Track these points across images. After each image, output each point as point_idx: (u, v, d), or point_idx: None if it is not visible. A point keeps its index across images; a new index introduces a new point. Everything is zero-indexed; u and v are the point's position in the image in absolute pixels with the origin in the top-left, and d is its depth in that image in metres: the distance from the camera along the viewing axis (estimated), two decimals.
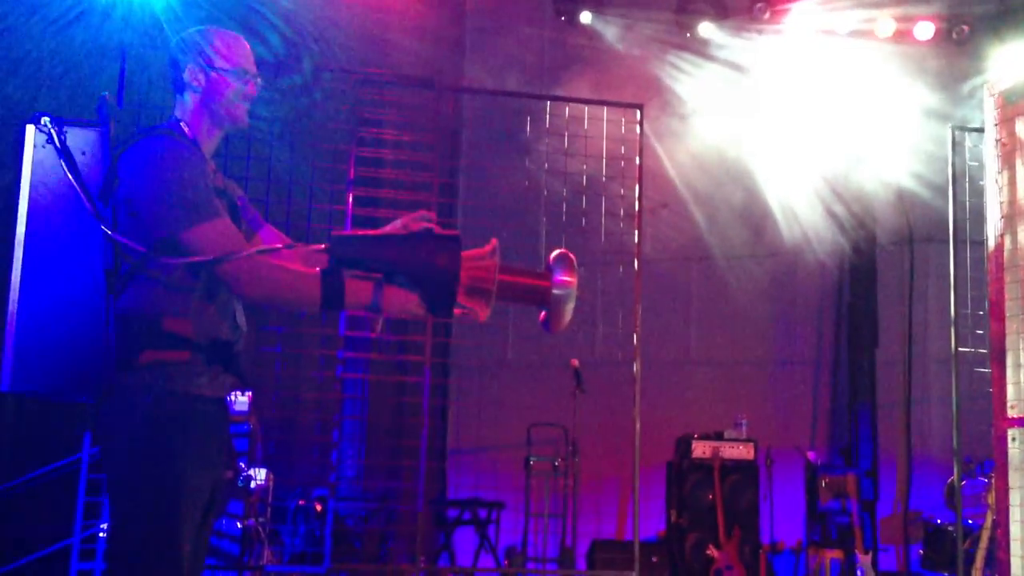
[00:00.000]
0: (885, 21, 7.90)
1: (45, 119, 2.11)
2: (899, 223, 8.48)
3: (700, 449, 7.63)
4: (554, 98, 5.34)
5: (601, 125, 5.35)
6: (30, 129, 2.12)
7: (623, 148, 5.23)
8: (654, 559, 7.31)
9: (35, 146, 2.23)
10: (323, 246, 2.20)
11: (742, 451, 7.70)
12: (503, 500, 7.56)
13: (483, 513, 7.40)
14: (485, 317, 2.29)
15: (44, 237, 2.25)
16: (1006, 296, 3.48)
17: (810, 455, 8.15)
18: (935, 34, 7.88)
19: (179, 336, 2.29)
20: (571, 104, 5.42)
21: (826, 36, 7.83)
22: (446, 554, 7.47)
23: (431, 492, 7.28)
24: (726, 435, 7.74)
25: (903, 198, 8.28)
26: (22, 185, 2.12)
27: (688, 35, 7.87)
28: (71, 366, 2.23)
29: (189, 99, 2.49)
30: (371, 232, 2.33)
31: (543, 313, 2.34)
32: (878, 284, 8.65)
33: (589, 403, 5.66)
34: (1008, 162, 3.52)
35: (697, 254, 7.85)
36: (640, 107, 5.23)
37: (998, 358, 3.40)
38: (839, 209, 8.20)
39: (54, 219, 2.31)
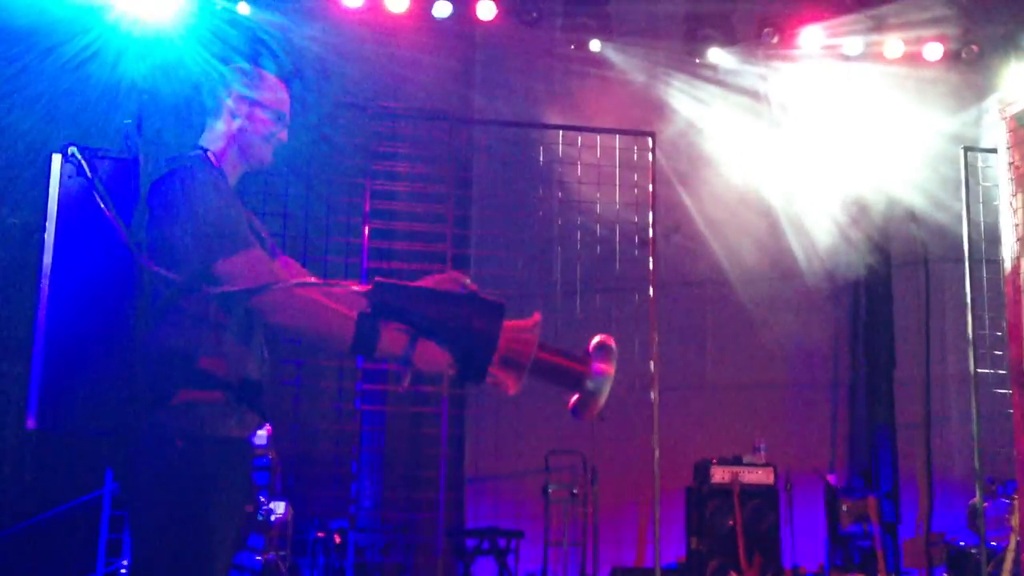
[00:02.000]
0: (894, 43, 7.93)
1: (73, 148, 2.09)
2: (914, 244, 8.47)
3: (719, 474, 7.61)
4: (566, 127, 5.38)
5: (613, 153, 5.38)
6: (56, 159, 2.11)
7: (635, 175, 5.26)
8: None
9: (61, 177, 2.20)
10: (365, 288, 2.16)
11: (761, 476, 7.67)
12: (522, 529, 7.53)
13: (502, 542, 7.37)
14: (514, 392, 2.22)
15: (70, 271, 2.23)
16: (1021, 317, 3.48)
17: (830, 478, 8.11)
18: (944, 55, 7.90)
19: (213, 375, 2.28)
20: (583, 133, 5.45)
21: (836, 60, 7.86)
22: None
23: (450, 522, 7.26)
24: (745, 460, 7.71)
25: (917, 219, 8.28)
26: (48, 217, 2.11)
27: (697, 61, 7.91)
28: (98, 403, 2.20)
29: (222, 127, 2.48)
30: (417, 284, 2.29)
31: (575, 398, 2.26)
32: (894, 305, 8.64)
33: (606, 430, 5.65)
34: (1022, 184, 3.53)
35: (712, 278, 7.86)
36: (652, 134, 5.26)
37: (1018, 380, 3.40)
38: (853, 231, 8.20)
39: (80, 252, 2.29)
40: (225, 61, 2.48)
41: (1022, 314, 3.37)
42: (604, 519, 7.62)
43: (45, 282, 2.13)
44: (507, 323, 2.20)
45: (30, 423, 2.05)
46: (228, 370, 2.30)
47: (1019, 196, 3.43)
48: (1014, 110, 3.37)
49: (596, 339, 2.29)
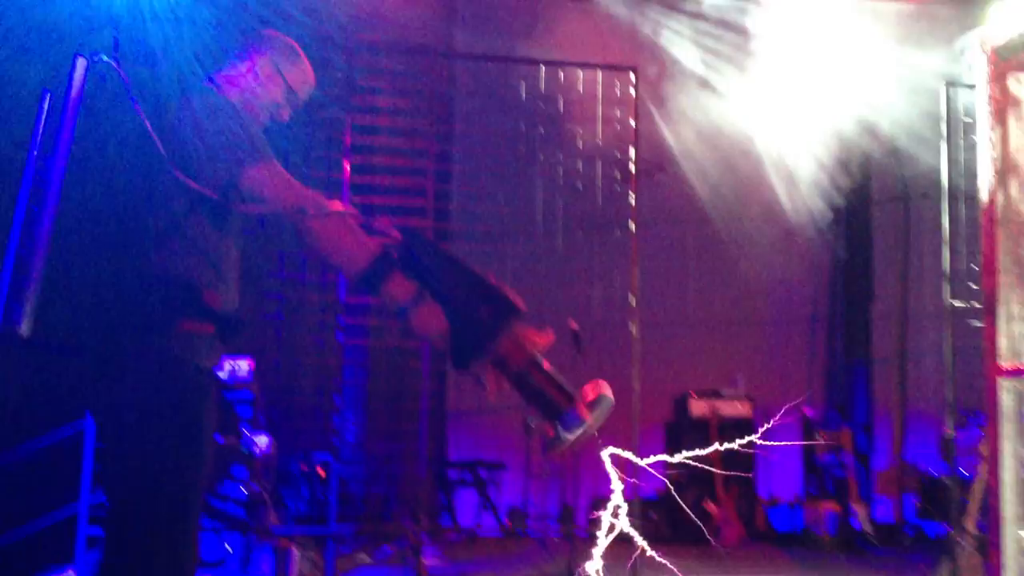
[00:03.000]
0: None
1: (104, 55, 2.05)
2: (894, 181, 8.52)
3: (698, 408, 7.74)
4: (547, 62, 5.34)
5: (595, 88, 5.36)
6: (81, 63, 2.04)
7: (618, 111, 5.25)
8: (653, 516, 7.42)
9: (81, 84, 2.09)
10: (396, 234, 2.14)
11: (739, 408, 7.81)
12: (504, 461, 7.65)
13: (484, 474, 7.50)
14: (491, 395, 2.17)
15: (84, 181, 2.17)
16: (998, 250, 3.52)
17: (807, 411, 8.25)
18: None
19: (211, 309, 2.30)
20: (565, 68, 5.41)
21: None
22: (447, 515, 7.57)
23: (432, 454, 7.36)
24: (724, 393, 7.85)
25: (898, 156, 8.30)
26: (64, 123, 2.04)
27: None
28: (99, 318, 2.17)
29: (240, 74, 2.52)
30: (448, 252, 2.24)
31: (550, 429, 2.15)
32: (873, 241, 8.72)
33: (587, 365, 5.73)
34: (1000, 118, 3.54)
35: (694, 216, 7.89)
36: (634, 69, 5.23)
37: (990, 310, 3.45)
38: (834, 168, 8.23)
39: (97, 163, 2.23)
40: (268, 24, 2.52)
41: (995, 246, 3.41)
42: (584, 452, 7.73)
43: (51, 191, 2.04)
44: (518, 327, 2.14)
45: (20, 328, 2.00)
46: (222, 304, 2.33)
47: (997, 130, 3.44)
48: (995, 43, 3.38)
49: (599, 388, 2.17)
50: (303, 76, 2.62)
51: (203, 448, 2.32)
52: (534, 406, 2.16)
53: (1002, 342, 3.42)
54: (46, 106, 2.09)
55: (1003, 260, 3.50)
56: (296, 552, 5.63)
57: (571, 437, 2.11)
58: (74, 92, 2.01)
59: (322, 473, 6.72)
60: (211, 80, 2.47)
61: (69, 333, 2.16)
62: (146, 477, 2.24)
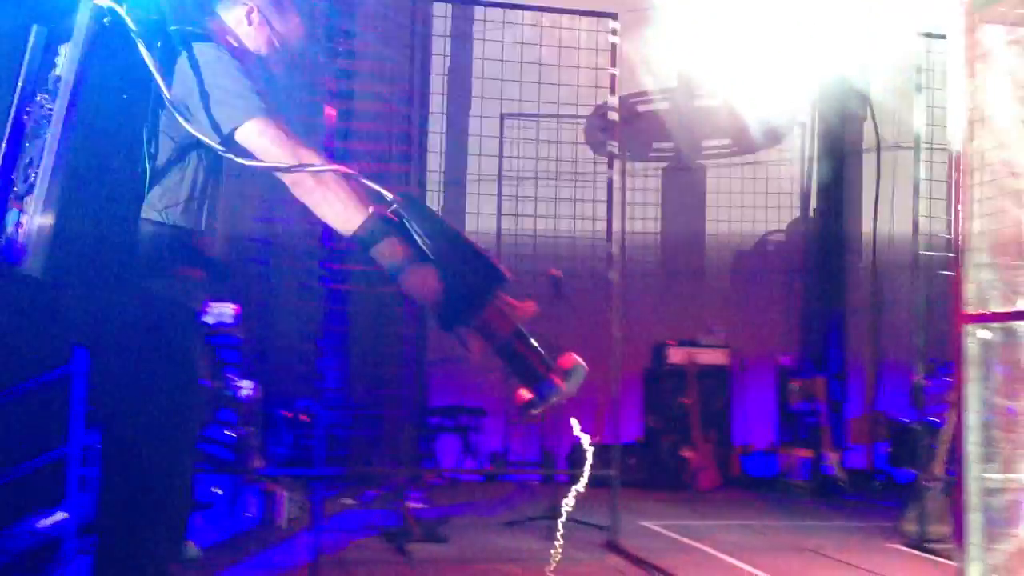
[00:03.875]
0: None
1: (110, 3, 2.04)
2: (867, 131, 8.60)
3: (676, 356, 7.88)
4: (525, 7, 5.33)
5: (575, 34, 5.38)
6: (86, 5, 2.03)
7: (598, 58, 5.28)
8: (632, 461, 7.58)
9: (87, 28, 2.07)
10: (392, 196, 2.19)
11: (716, 357, 7.95)
12: (484, 407, 7.77)
13: (465, 420, 7.62)
14: (474, 359, 2.27)
15: (81, 126, 2.15)
16: (967, 199, 3.61)
17: (782, 360, 8.41)
18: None
19: (203, 254, 2.36)
20: (545, 13, 5.42)
21: None
22: (429, 460, 7.71)
23: (413, 400, 7.47)
24: (701, 342, 7.98)
25: (871, 106, 8.38)
26: (69, 65, 2.03)
27: None
28: (103, 262, 2.19)
29: (228, 23, 2.53)
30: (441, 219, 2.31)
31: (526, 393, 2.28)
32: (845, 192, 8.82)
33: (567, 311, 5.81)
34: (972, 70, 3.61)
35: (673, 166, 7.95)
36: (614, 16, 5.26)
37: (958, 259, 3.55)
38: (811, 118, 8.28)
39: (102, 107, 2.20)
40: None
41: (966, 196, 3.51)
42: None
43: (56, 127, 2.04)
44: (504, 296, 2.22)
45: (29, 266, 2.02)
46: (212, 250, 2.39)
47: (971, 80, 3.51)
48: None
49: (573, 360, 2.30)
50: (293, 28, 2.63)
51: (197, 388, 2.40)
52: (514, 371, 2.29)
53: (969, 289, 3.52)
54: (32, 41, 2.10)
55: (972, 209, 3.59)
56: (283, 494, 5.75)
57: (545, 402, 2.25)
58: (81, 36, 2.02)
59: (305, 419, 6.82)
60: (203, 29, 2.48)
61: (67, 273, 2.19)
62: (145, 416, 2.30)
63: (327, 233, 5.83)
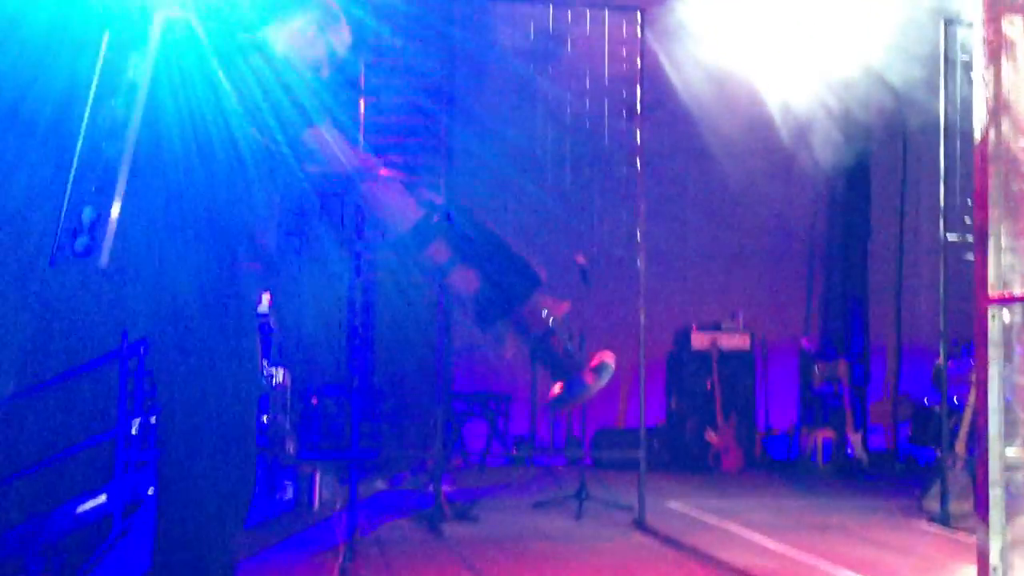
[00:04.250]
0: None
1: (179, 14, 2.17)
2: (893, 117, 8.63)
3: (698, 340, 7.98)
4: (554, 1, 5.42)
5: (601, 28, 5.47)
6: (159, 17, 2.16)
7: (624, 51, 5.37)
8: (656, 444, 7.69)
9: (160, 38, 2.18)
10: (438, 200, 2.37)
11: (739, 341, 8.05)
12: (511, 393, 7.89)
13: (492, 405, 7.75)
14: (508, 354, 2.43)
15: (151, 126, 2.27)
16: (990, 185, 3.70)
17: (804, 343, 8.50)
18: None
19: (262, 248, 2.53)
20: (573, 8, 5.51)
21: None
22: (457, 444, 7.84)
23: (440, 386, 7.59)
24: (723, 326, 8.07)
25: (897, 92, 8.41)
26: (143, 71, 2.16)
27: None
28: (173, 257, 2.33)
29: (291, 39, 2.62)
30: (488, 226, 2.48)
31: (556, 390, 2.43)
32: (871, 177, 8.87)
33: (592, 297, 5.92)
34: (994, 58, 3.69)
35: (697, 154, 8.01)
36: (641, 10, 5.35)
37: (981, 242, 3.64)
38: (834, 106, 8.32)
39: (176, 114, 2.33)
40: None
41: (987, 181, 3.60)
42: None
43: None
44: (540, 296, 2.40)
45: (101, 260, 2.17)
46: (269, 246, 2.54)
47: (991, 68, 3.60)
48: None
49: (603, 357, 2.45)
50: (343, 37, 2.77)
51: (257, 379, 2.54)
52: (545, 368, 2.44)
53: (991, 272, 3.62)
54: (104, 47, 2.23)
55: (994, 194, 3.68)
56: (317, 477, 5.90)
57: (575, 398, 2.40)
58: (153, 45, 2.15)
59: (330, 405, 6.96)
60: (266, 39, 2.60)
61: (135, 266, 2.32)
62: (208, 406, 2.43)
63: (360, 225, 5.96)
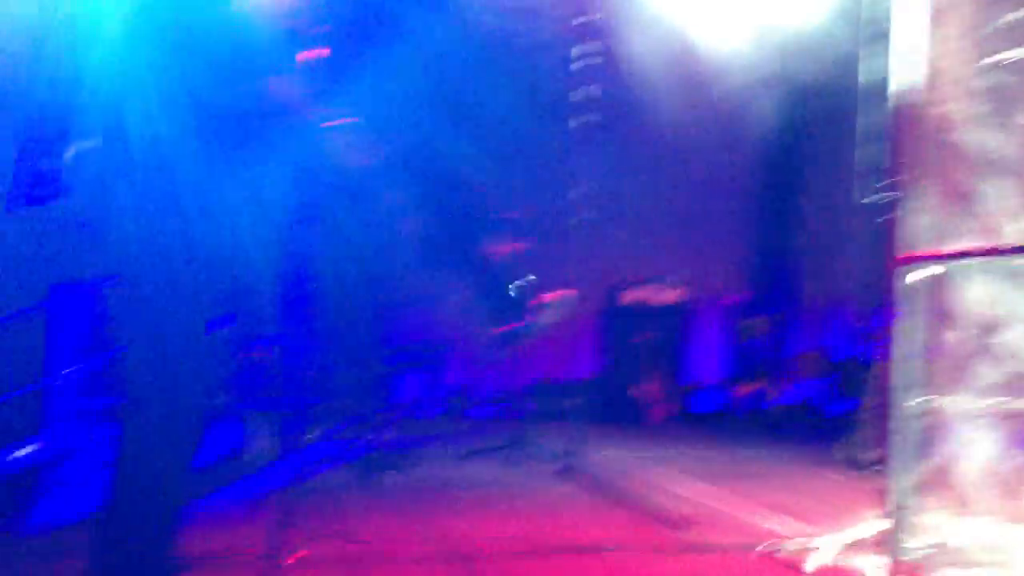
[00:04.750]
0: None
1: None
2: (823, 76, 8.82)
3: (630, 296, 8.15)
4: None
5: None
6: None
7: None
8: (587, 397, 7.84)
9: None
10: None
11: (669, 296, 8.24)
12: (448, 344, 7.97)
13: (429, 355, 7.83)
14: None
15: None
16: (908, 147, 3.87)
17: (733, 298, 8.73)
18: None
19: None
20: None
21: None
22: (394, 394, 7.91)
23: (377, 336, 7.64)
24: (656, 282, 8.26)
25: (821, 56, 8.60)
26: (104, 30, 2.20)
27: None
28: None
29: None
30: None
31: (511, 328, 2.53)
32: (797, 139, 9.08)
33: (533, 254, 5.98)
34: (937, 22, 3.82)
35: (633, 106, 8.07)
36: None
37: (895, 204, 3.82)
38: (766, 64, 8.46)
39: None
40: None
41: (903, 145, 3.77)
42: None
43: None
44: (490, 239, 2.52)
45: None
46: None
47: (936, 32, 3.75)
48: None
49: (553, 296, 2.56)
50: None
51: (205, 322, 2.60)
52: (494, 307, 2.55)
53: (905, 232, 3.81)
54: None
55: (911, 156, 3.86)
56: (254, 426, 5.93)
57: (523, 335, 2.54)
58: None
59: (265, 355, 6.96)
60: None
61: (91, 210, 2.35)
62: (169, 344, 2.49)
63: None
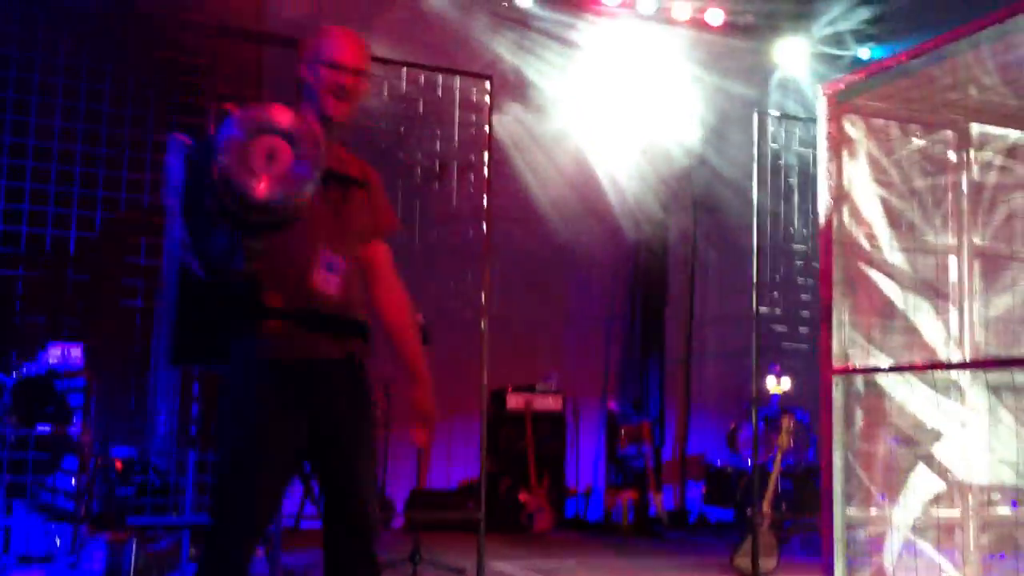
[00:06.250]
0: (682, 5, 8.57)
1: None
2: (691, 194, 9.33)
3: (514, 401, 8.14)
4: (408, 64, 5.47)
5: (452, 93, 5.57)
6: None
7: (474, 116, 5.49)
8: (470, 504, 7.70)
9: None
10: None
11: (551, 402, 8.28)
12: None
13: (308, 466, 7.49)
14: None
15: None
16: (832, 266, 4.07)
17: (611, 405, 8.86)
18: (725, 22, 8.63)
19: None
20: (425, 72, 5.57)
21: (634, 18, 8.41)
22: None
23: None
24: (537, 388, 8.29)
25: (697, 173, 9.11)
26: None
27: (506, 4, 8.18)
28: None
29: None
30: None
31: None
32: (668, 251, 9.47)
33: (436, 356, 5.85)
34: (835, 152, 4.10)
35: (522, 212, 8.21)
36: (490, 78, 5.49)
37: (826, 318, 3.98)
38: (647, 180, 8.85)
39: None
40: None
41: (831, 262, 3.96)
42: (395, 442, 7.80)
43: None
44: None
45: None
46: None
47: (833, 163, 3.99)
48: (835, 88, 3.93)
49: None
50: (331, 42, 2.75)
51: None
52: None
53: (835, 345, 3.97)
54: None
55: (836, 274, 4.07)
56: (134, 545, 5.45)
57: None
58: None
59: (120, 465, 6.49)
60: None
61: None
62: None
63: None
